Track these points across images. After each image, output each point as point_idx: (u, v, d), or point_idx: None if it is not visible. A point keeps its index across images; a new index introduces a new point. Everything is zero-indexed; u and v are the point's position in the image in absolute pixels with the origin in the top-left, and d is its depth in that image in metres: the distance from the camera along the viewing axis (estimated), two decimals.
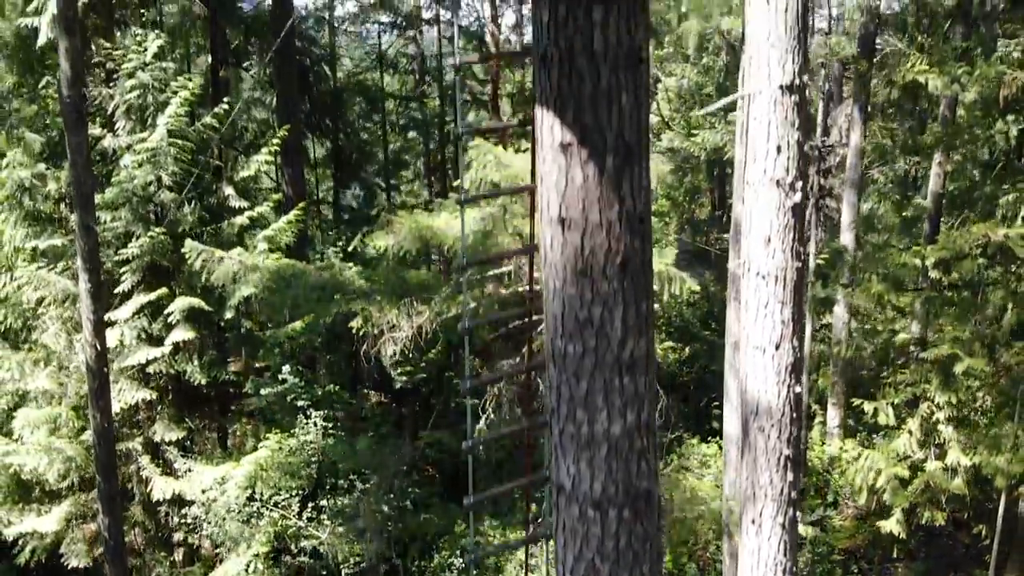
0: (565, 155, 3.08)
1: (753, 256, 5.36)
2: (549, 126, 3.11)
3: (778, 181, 5.21)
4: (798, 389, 5.46)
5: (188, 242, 10.28)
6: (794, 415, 5.49)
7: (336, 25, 20.70)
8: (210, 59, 17.50)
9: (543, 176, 3.19)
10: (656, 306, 13.10)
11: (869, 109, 16.35)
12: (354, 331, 8.97)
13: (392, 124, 21.01)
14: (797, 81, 5.13)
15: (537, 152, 3.22)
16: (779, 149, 5.19)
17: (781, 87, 5.12)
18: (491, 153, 7.93)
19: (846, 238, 16.42)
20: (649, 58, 3.08)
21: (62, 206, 12.77)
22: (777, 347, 5.38)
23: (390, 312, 8.39)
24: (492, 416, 8.96)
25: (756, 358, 5.45)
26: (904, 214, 18.16)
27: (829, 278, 18.29)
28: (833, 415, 17.32)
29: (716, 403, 17.88)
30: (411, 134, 21.50)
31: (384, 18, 19.83)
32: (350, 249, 10.70)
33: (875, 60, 14.88)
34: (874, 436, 14.69)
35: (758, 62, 5.16)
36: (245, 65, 17.61)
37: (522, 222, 7.43)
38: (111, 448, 10.44)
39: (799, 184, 5.24)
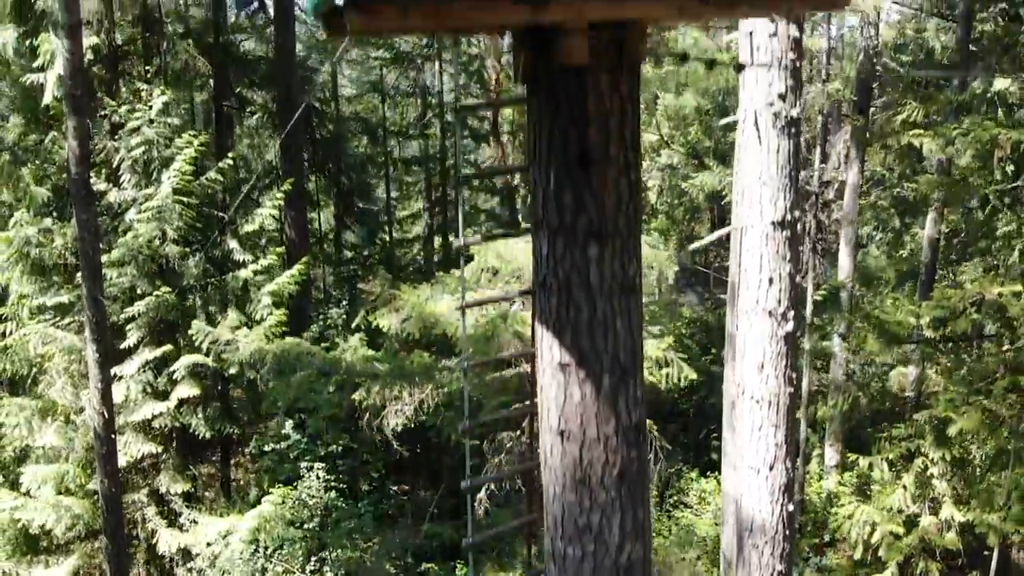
0: (564, 373, 3.26)
1: (747, 381, 5.53)
2: (548, 345, 3.28)
3: (770, 312, 5.39)
4: (791, 508, 5.64)
5: (195, 323, 10.49)
6: (787, 532, 5.66)
7: (337, 59, 20.87)
8: (213, 87, 17.70)
9: (543, 387, 3.36)
10: (657, 330, 13.25)
11: (868, 135, 16.46)
12: (357, 402, 9.13)
13: (393, 159, 21.21)
14: (788, 217, 5.31)
15: (537, 364, 3.39)
16: (771, 281, 5.37)
17: (773, 223, 5.29)
18: (492, 249, 8.13)
19: (844, 274, 16.59)
20: (642, 285, 3.25)
21: (67, 254, 12.92)
22: (771, 468, 5.56)
23: (393, 388, 8.57)
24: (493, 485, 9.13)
25: (751, 478, 5.62)
26: (900, 253, 18.32)
27: (827, 306, 18.49)
28: (831, 454, 17.49)
29: (715, 434, 18.03)
30: (413, 168, 21.69)
31: (386, 54, 20.00)
32: (354, 325, 10.89)
33: (873, 89, 15.02)
34: (871, 475, 14.83)
35: (750, 198, 5.33)
36: (249, 110, 17.81)
37: (523, 326, 7.61)
38: (119, 512, 10.62)
39: (791, 314, 5.41)
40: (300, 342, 9.55)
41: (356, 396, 9.04)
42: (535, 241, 3.24)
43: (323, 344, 10.63)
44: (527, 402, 8.04)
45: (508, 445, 9.02)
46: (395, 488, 15.05)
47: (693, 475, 18.13)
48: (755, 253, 5.36)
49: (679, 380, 8.50)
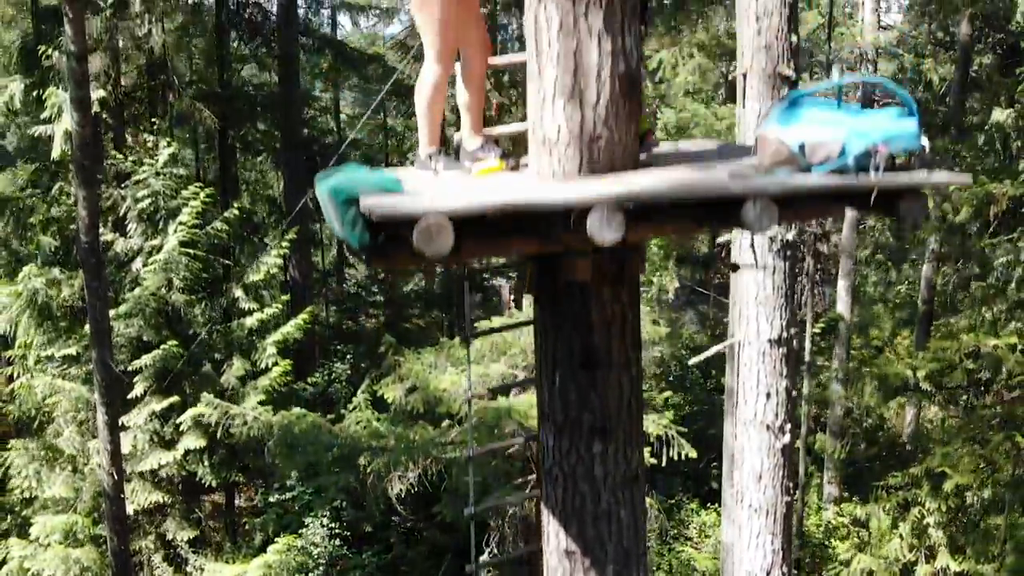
0: (570, 561, 3.41)
1: (746, 490, 5.68)
2: (555, 531, 3.43)
3: (768, 425, 5.54)
4: None
5: (204, 395, 10.68)
6: None
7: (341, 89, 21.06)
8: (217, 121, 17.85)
9: (549, 571, 3.51)
10: (657, 352, 13.35)
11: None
12: (361, 467, 9.28)
13: None
14: (785, 334, 5.46)
15: (543, 542, 3.54)
16: (768, 396, 5.52)
17: (770, 340, 5.44)
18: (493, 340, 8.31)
19: (842, 305, 16.73)
20: (645, 473, 3.40)
21: (74, 299, 13.03)
22: (768, 574, 5.71)
23: (398, 460, 8.73)
24: (496, 550, 9.29)
25: None
26: (898, 288, 18.48)
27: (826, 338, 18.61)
28: (830, 488, 17.63)
29: (715, 464, 18.13)
30: None
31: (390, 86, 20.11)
32: (360, 391, 11.05)
33: None
34: (868, 523, 14.98)
35: (747, 315, 5.49)
36: (254, 149, 17.98)
37: (528, 410, 7.78)
38: (128, 569, 10.77)
39: (788, 427, 5.57)
40: (306, 414, 9.70)
41: (361, 461, 9.19)
42: (541, 432, 3.39)
43: (329, 416, 10.78)
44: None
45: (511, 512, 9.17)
46: (398, 519, 15.21)
47: (693, 505, 18.20)
48: (753, 368, 5.52)
49: (679, 457, 8.66)
